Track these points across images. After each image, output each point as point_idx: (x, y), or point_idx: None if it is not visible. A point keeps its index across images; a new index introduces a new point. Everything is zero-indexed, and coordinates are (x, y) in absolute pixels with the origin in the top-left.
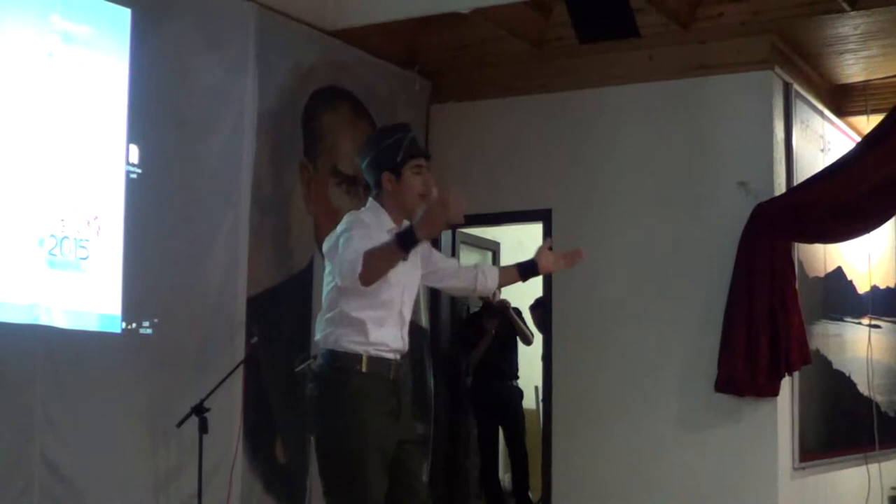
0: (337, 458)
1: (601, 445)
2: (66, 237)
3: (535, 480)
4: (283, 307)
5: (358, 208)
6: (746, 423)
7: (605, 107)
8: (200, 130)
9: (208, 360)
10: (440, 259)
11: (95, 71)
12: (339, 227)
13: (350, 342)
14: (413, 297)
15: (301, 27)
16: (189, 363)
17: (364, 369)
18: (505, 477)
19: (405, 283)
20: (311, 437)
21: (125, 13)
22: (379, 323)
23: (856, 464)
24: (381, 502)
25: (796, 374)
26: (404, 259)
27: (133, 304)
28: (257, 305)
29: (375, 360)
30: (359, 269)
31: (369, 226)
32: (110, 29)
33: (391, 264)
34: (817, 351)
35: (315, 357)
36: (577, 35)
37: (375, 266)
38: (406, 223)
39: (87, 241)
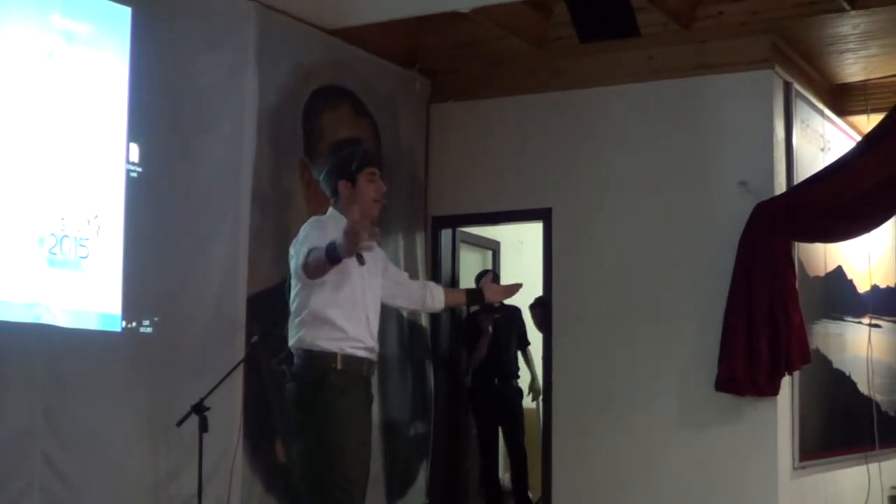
0: (320, 455)
1: (601, 444)
2: (66, 236)
3: (535, 480)
4: (282, 306)
5: None
6: (746, 423)
7: (606, 106)
8: (201, 129)
9: (208, 359)
10: (394, 272)
11: (96, 70)
12: (301, 232)
13: (324, 340)
14: (377, 303)
15: (301, 26)
16: (189, 362)
17: (339, 367)
18: (505, 476)
19: (367, 285)
20: (283, 437)
21: (125, 12)
22: (348, 319)
23: (856, 463)
24: (363, 493)
25: (796, 373)
26: (332, 266)
27: (133, 303)
28: (257, 304)
29: (350, 359)
30: (301, 260)
31: (326, 227)
32: (111, 28)
33: (324, 270)
34: (817, 350)
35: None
36: (577, 34)
37: (312, 265)
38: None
39: (87, 239)
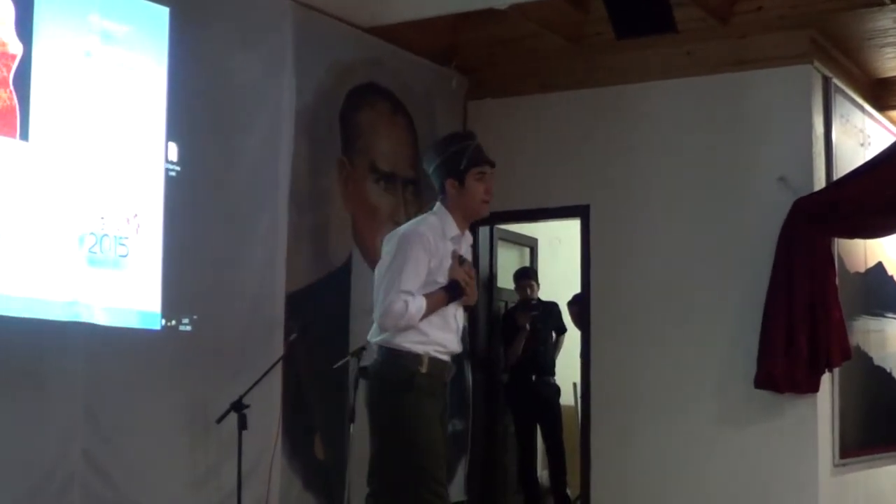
0: (404, 456)
1: (639, 442)
2: (105, 235)
3: (574, 477)
4: (321, 304)
5: (395, 206)
6: (786, 420)
7: (643, 102)
8: (238, 128)
9: (247, 357)
10: None
11: (134, 70)
12: (396, 236)
13: (410, 342)
14: (461, 306)
15: (338, 24)
16: (228, 360)
17: (424, 370)
18: (543, 473)
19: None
20: (372, 429)
21: (163, 12)
22: (436, 324)
23: None
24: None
25: (836, 370)
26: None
27: (172, 301)
28: (296, 302)
29: (434, 362)
30: (401, 324)
31: (427, 239)
32: (148, 28)
33: (427, 315)
34: (857, 347)
35: (355, 354)
36: (614, 30)
37: (413, 313)
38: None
39: (126, 238)
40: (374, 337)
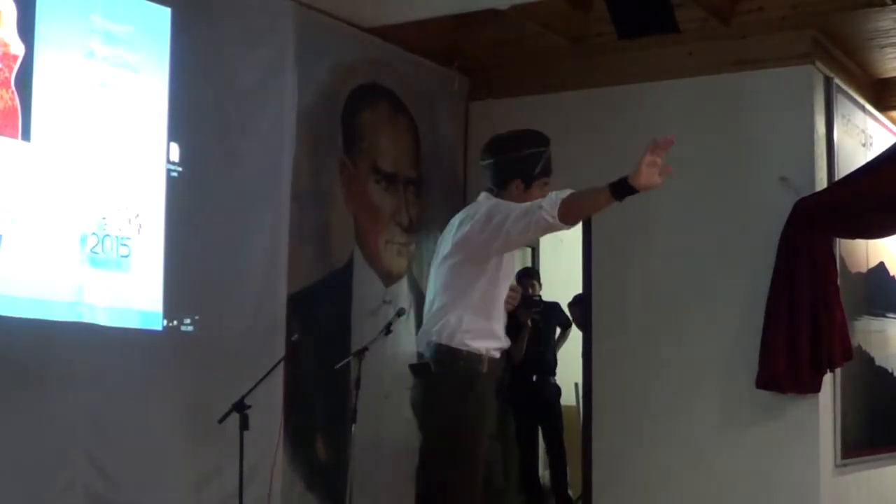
0: (454, 456)
1: (641, 442)
2: (107, 235)
3: (575, 477)
4: (323, 304)
5: (397, 206)
6: (788, 420)
7: (645, 103)
8: (240, 129)
9: (249, 357)
10: None
11: (136, 70)
12: (472, 212)
13: (474, 340)
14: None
15: (340, 25)
16: (230, 360)
17: (485, 370)
18: (544, 474)
19: (511, 273)
20: (424, 430)
21: (165, 13)
22: (497, 317)
23: None
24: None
25: (838, 370)
26: (609, 203)
27: (174, 302)
28: (297, 302)
29: (492, 362)
30: (558, 205)
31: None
32: (150, 29)
33: (598, 206)
34: (859, 347)
35: (357, 355)
36: (616, 31)
37: (582, 204)
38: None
39: (128, 239)
40: (434, 325)
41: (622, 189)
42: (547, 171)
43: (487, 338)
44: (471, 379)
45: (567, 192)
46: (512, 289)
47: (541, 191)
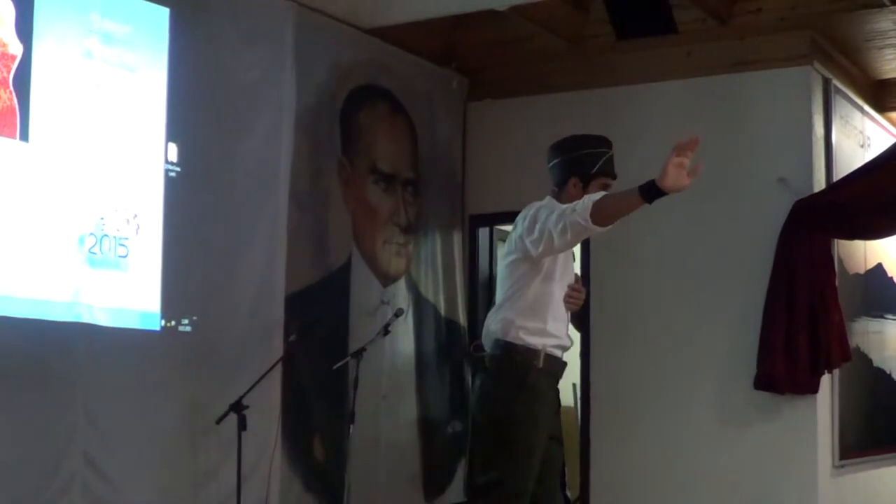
0: (506, 449)
1: (639, 443)
2: (105, 236)
3: (573, 478)
4: (321, 305)
5: (395, 207)
6: (786, 421)
7: (643, 103)
8: (239, 129)
9: (247, 358)
10: None
11: (134, 70)
12: (528, 212)
13: (530, 336)
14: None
15: (338, 25)
16: (227, 360)
17: (541, 365)
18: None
19: (568, 281)
20: (478, 421)
21: (164, 12)
22: (554, 314)
23: None
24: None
25: (836, 371)
26: (639, 206)
27: (172, 302)
28: (295, 303)
29: (550, 358)
30: (590, 208)
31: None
32: (149, 28)
33: (628, 208)
34: (857, 348)
35: (355, 356)
36: (614, 31)
37: (612, 206)
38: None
39: (126, 239)
40: (493, 325)
41: (651, 192)
42: (606, 172)
43: (543, 335)
44: (526, 372)
45: (600, 195)
46: (574, 288)
47: (599, 190)
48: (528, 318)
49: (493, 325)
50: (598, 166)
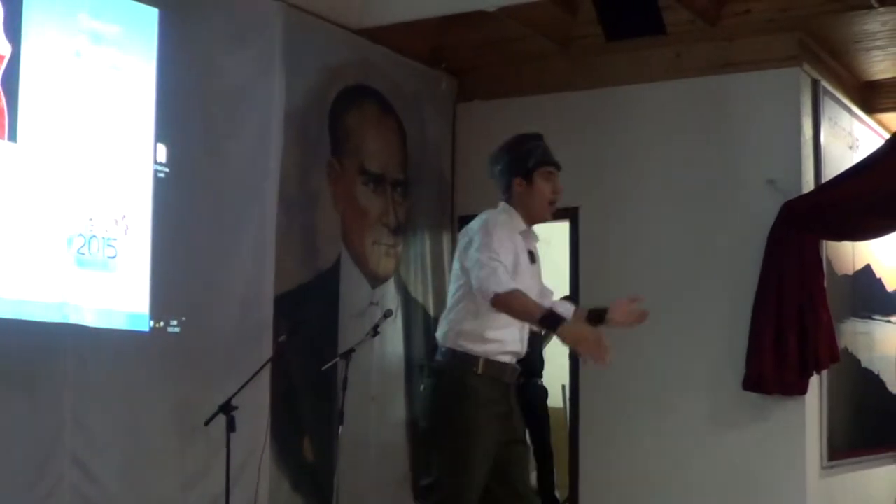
0: (444, 454)
1: (628, 444)
2: (94, 236)
3: (562, 479)
4: (310, 306)
5: (384, 207)
6: (775, 422)
7: (632, 105)
8: (227, 130)
9: (236, 359)
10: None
11: (123, 70)
12: (475, 224)
13: (468, 342)
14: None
15: (327, 26)
16: (216, 361)
17: (479, 371)
18: (532, 475)
19: (530, 285)
20: (421, 426)
21: (153, 13)
22: (499, 324)
23: (884, 462)
24: (477, 498)
25: (824, 372)
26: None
27: (161, 303)
28: (285, 304)
29: (491, 364)
30: (500, 292)
31: (505, 225)
32: (138, 28)
33: (527, 320)
34: (846, 349)
35: (344, 356)
36: (603, 33)
37: (513, 308)
38: (563, 306)
39: (115, 240)
40: (439, 331)
41: (553, 325)
42: (544, 162)
43: (484, 342)
44: (463, 379)
45: (515, 288)
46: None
47: (546, 182)
48: (468, 325)
49: (438, 330)
50: (532, 159)
